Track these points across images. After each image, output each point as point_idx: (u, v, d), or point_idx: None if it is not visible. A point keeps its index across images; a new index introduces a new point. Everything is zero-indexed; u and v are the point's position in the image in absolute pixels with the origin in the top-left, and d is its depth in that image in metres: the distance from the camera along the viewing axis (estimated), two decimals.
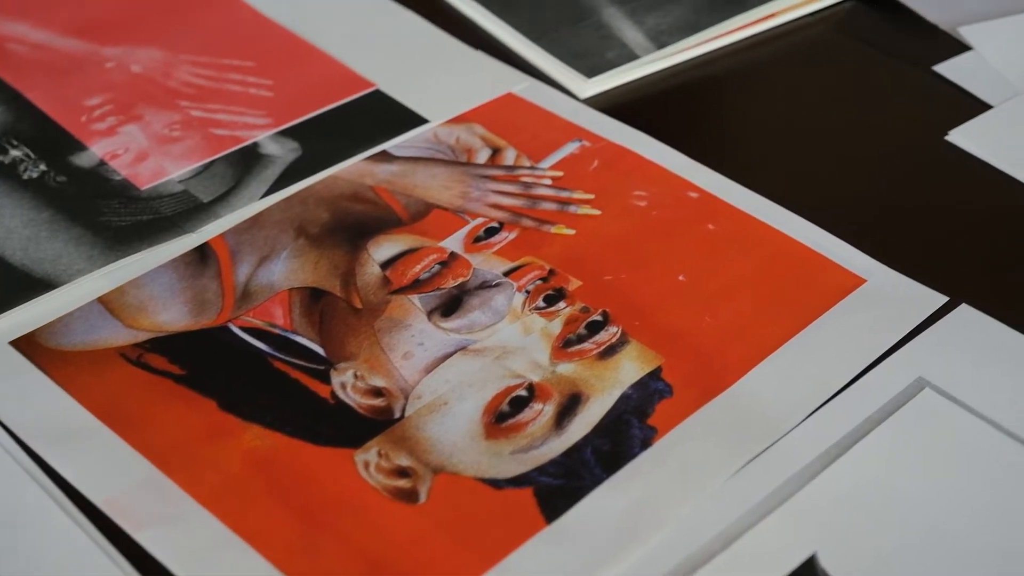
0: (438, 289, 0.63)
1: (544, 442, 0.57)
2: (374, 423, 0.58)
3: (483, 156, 0.71)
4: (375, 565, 0.52)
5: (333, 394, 0.59)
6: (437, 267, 0.65)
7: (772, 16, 0.79)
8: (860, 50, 0.78)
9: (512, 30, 0.78)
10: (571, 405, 0.58)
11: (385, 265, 0.64)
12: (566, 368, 0.60)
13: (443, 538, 0.53)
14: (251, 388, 0.59)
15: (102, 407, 0.58)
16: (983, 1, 0.81)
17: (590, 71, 0.74)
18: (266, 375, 0.60)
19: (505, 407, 0.58)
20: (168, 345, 0.61)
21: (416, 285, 0.64)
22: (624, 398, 0.59)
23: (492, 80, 0.75)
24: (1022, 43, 0.77)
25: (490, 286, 0.64)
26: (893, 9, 0.81)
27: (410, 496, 0.55)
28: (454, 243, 0.66)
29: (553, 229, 0.67)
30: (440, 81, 0.75)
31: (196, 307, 0.63)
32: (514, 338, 0.61)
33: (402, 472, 0.56)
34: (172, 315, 0.62)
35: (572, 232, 0.66)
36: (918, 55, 0.77)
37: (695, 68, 0.77)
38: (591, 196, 0.68)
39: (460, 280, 0.64)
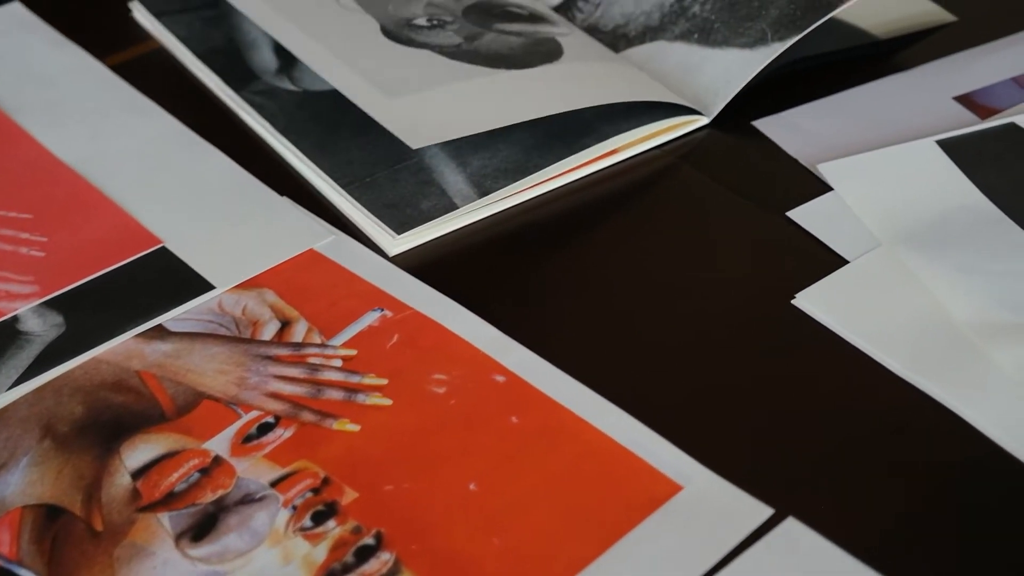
0: (192, 505, 0.55)
1: None
2: None
3: (270, 330, 0.63)
4: None
5: None
6: (196, 475, 0.57)
7: (615, 152, 0.72)
8: (709, 190, 0.71)
9: (322, 174, 0.70)
10: None
11: (137, 474, 0.57)
12: None
13: None
14: None
15: None
16: (849, 133, 0.73)
17: (399, 225, 0.67)
18: None
19: None
20: None
21: (169, 500, 0.56)
22: None
23: (294, 234, 0.67)
24: (885, 184, 0.69)
25: (253, 501, 0.56)
26: (751, 138, 0.74)
27: None
28: (221, 443, 0.58)
29: (335, 425, 0.59)
30: (237, 235, 0.67)
31: None
32: (271, 569, 0.53)
33: None
34: None
35: (356, 428, 0.58)
36: (773, 196, 0.70)
37: (521, 214, 0.69)
38: (384, 381, 0.60)
39: (220, 493, 0.56)
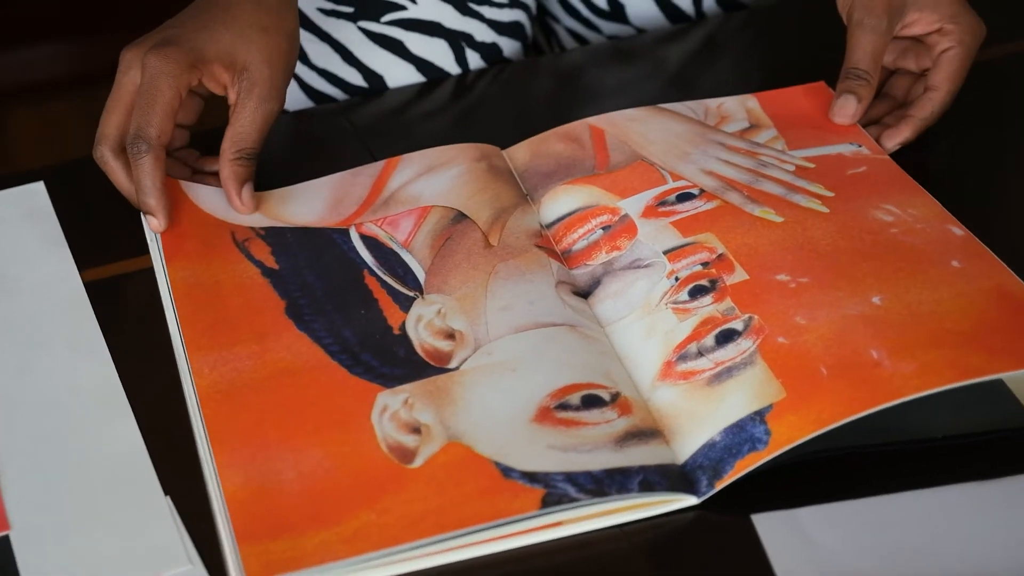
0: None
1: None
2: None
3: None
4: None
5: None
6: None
7: (557, 525, 0.56)
8: None
9: (216, 477, 0.59)
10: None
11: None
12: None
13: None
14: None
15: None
16: (869, 561, 0.55)
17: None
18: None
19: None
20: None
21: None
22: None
23: (148, 553, 0.58)
24: None
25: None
26: (740, 540, 0.56)
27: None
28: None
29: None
30: (88, 540, 0.58)
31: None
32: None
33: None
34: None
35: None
36: None
37: None
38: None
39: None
